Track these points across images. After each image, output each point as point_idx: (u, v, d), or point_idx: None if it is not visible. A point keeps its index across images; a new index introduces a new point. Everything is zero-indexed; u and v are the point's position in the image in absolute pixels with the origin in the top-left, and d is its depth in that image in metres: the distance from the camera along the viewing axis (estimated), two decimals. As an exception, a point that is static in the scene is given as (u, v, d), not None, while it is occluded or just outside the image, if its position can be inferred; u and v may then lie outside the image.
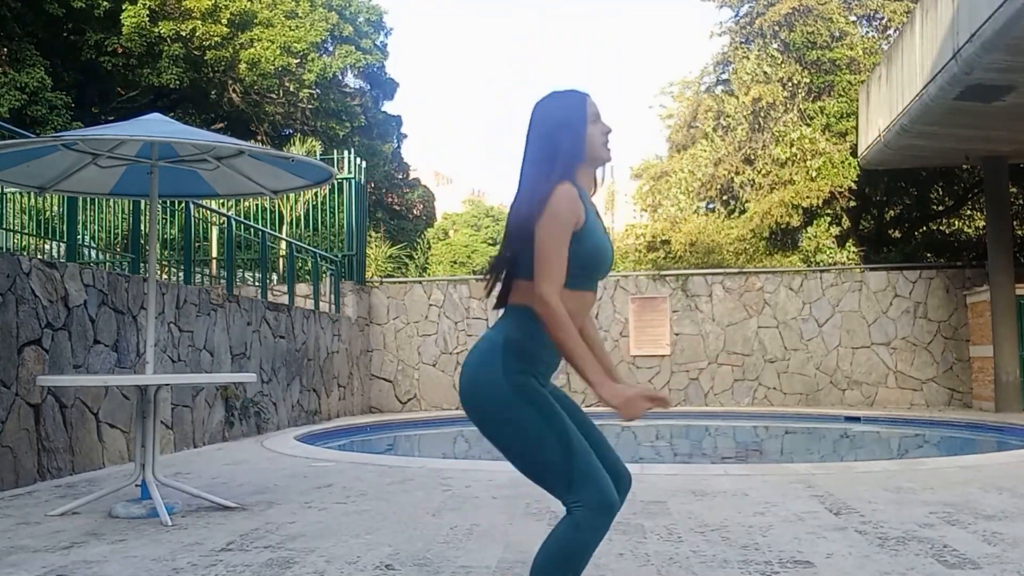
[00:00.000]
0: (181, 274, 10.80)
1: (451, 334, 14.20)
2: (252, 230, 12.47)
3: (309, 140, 18.48)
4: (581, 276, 2.42)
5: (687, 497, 5.09)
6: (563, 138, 2.48)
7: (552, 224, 2.34)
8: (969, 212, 17.60)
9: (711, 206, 19.57)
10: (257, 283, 12.26)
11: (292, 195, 14.13)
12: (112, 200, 10.65)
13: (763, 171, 16.82)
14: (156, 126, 4.96)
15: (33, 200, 9.79)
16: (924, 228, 17.54)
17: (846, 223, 17.22)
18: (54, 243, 9.84)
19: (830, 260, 16.34)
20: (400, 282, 14.86)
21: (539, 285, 2.32)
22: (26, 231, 9.94)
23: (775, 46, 17.60)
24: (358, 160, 14.45)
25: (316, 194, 14.48)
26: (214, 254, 13.24)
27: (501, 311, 2.50)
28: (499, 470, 6.64)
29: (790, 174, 16.07)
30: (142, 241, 8.17)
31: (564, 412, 2.43)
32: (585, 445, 2.40)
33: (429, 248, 24.52)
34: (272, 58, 21.20)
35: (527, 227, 2.38)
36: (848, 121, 16.07)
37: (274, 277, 13.53)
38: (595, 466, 2.38)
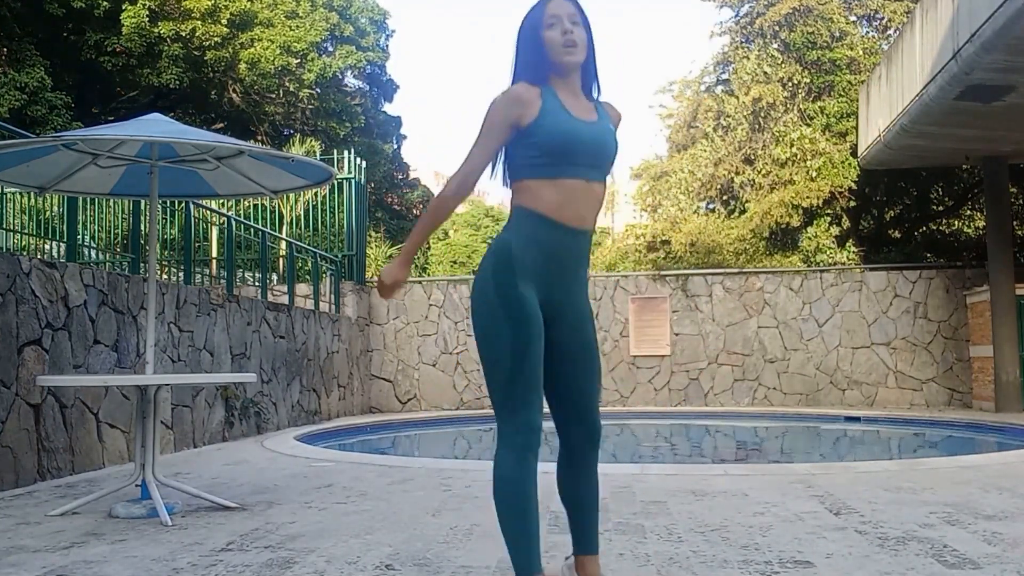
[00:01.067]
0: (181, 274, 10.80)
1: (451, 334, 14.20)
2: (252, 230, 12.47)
3: (309, 140, 18.49)
4: (548, 165, 2.44)
5: (687, 497, 5.09)
6: (522, 52, 2.55)
7: (482, 123, 2.47)
8: (969, 212, 17.60)
9: (711, 206, 19.57)
10: (257, 283, 12.26)
11: (292, 195, 14.13)
12: (112, 200, 10.65)
13: (763, 171, 16.82)
14: (156, 126, 4.96)
15: (33, 200, 9.79)
16: (924, 228, 17.54)
17: (846, 223, 17.22)
18: (54, 243, 9.85)
19: (830, 260, 16.34)
20: (400, 282, 14.85)
21: (457, 171, 2.49)
22: (26, 231, 9.94)
23: (775, 46, 17.60)
24: (358, 160, 14.46)
25: (316, 194, 14.48)
26: (214, 254, 13.24)
27: None
28: (499, 470, 6.64)
29: (790, 174, 16.07)
30: (142, 241, 8.17)
31: (537, 337, 2.40)
32: (534, 378, 2.40)
33: (429, 248, 24.51)
34: (272, 58, 21.20)
35: None
36: (848, 121, 16.07)
37: (274, 277, 13.53)
38: (531, 404, 2.39)
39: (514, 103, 2.45)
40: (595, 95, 2.65)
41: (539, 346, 2.40)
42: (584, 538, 2.64)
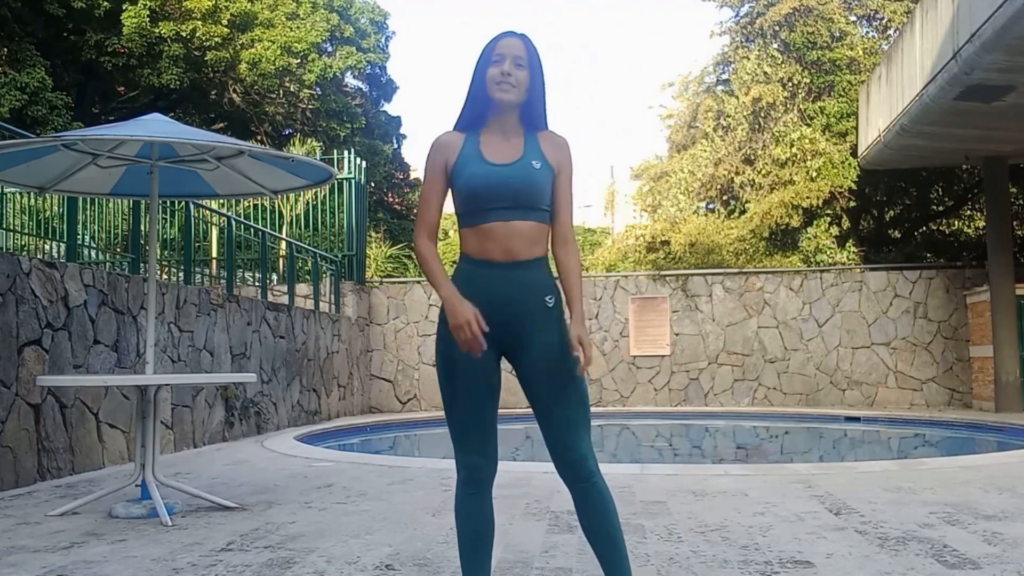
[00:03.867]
0: (181, 274, 10.80)
1: (451, 334, 14.18)
2: (252, 230, 12.47)
3: (309, 141, 18.49)
4: (468, 212, 2.52)
5: (687, 497, 5.09)
6: (470, 85, 2.60)
7: (424, 176, 2.59)
8: (969, 212, 17.59)
9: (711, 206, 19.56)
10: (257, 283, 12.26)
11: (292, 195, 14.13)
12: (112, 200, 10.66)
13: (763, 171, 16.82)
14: (156, 126, 4.96)
15: (33, 200, 9.79)
16: (924, 228, 17.54)
17: (846, 223, 17.22)
18: (54, 243, 9.85)
19: (830, 260, 16.33)
20: (400, 282, 14.86)
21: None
22: (26, 231, 9.94)
23: (775, 46, 17.60)
24: (358, 160, 14.46)
25: (316, 194, 14.48)
26: (214, 254, 13.24)
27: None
28: (499, 470, 6.64)
29: (790, 174, 16.06)
30: (142, 241, 8.17)
31: (465, 379, 2.51)
32: (465, 416, 2.52)
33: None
34: (273, 58, 21.19)
35: None
36: (848, 121, 16.07)
37: (274, 277, 13.53)
38: (460, 440, 2.53)
39: (437, 149, 2.56)
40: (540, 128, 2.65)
41: (468, 396, 2.51)
42: (617, 568, 2.52)
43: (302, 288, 12.89)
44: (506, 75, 2.51)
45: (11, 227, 9.42)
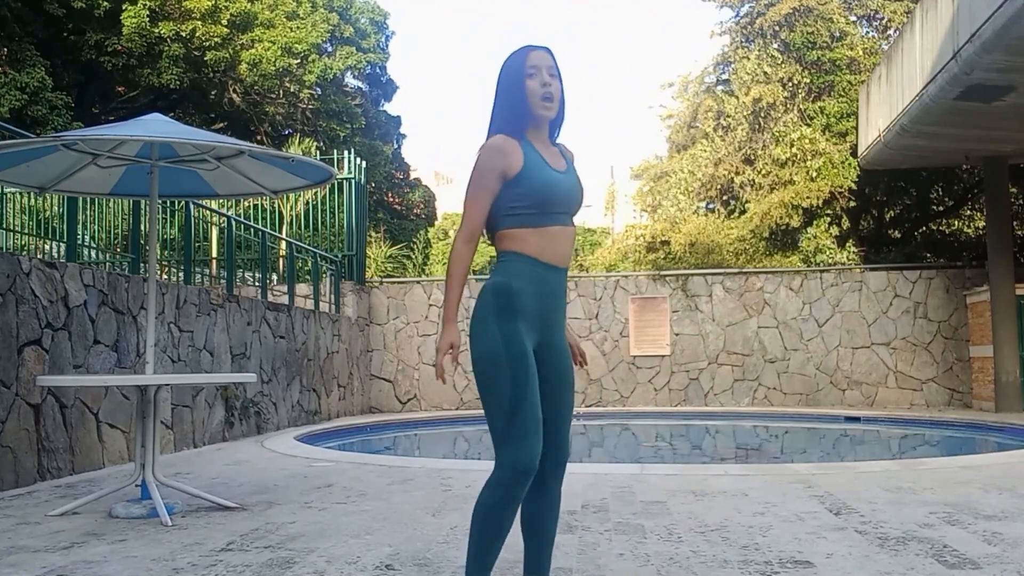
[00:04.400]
0: (181, 274, 10.80)
1: (451, 334, 14.18)
2: (252, 230, 12.47)
3: (307, 140, 18.51)
4: (533, 214, 2.60)
5: (687, 497, 5.09)
6: (503, 98, 2.67)
7: (472, 176, 2.60)
8: (969, 212, 17.59)
9: (711, 206, 19.56)
10: (257, 283, 12.26)
11: (292, 195, 14.13)
12: (112, 200, 10.66)
13: (763, 171, 16.82)
14: (156, 126, 4.96)
15: (33, 200, 9.79)
16: (924, 228, 17.54)
17: (846, 223, 17.22)
18: (54, 243, 9.85)
19: (830, 260, 16.33)
20: (400, 282, 14.86)
21: (461, 223, 2.59)
22: (26, 231, 9.94)
23: (775, 46, 17.60)
24: (358, 160, 14.46)
25: (316, 194, 14.49)
26: (214, 254, 13.24)
27: None
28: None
29: (790, 174, 16.06)
30: (142, 241, 8.17)
31: (534, 372, 2.54)
32: (535, 413, 2.51)
33: (429, 246, 24.51)
34: (273, 59, 21.19)
35: None
36: (848, 121, 16.06)
37: (274, 277, 13.53)
38: (530, 433, 2.50)
39: (500, 154, 2.58)
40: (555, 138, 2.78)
41: (534, 388, 2.54)
42: (539, 561, 2.72)
43: (302, 288, 12.89)
44: (546, 86, 2.62)
45: (11, 227, 9.42)
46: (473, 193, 2.59)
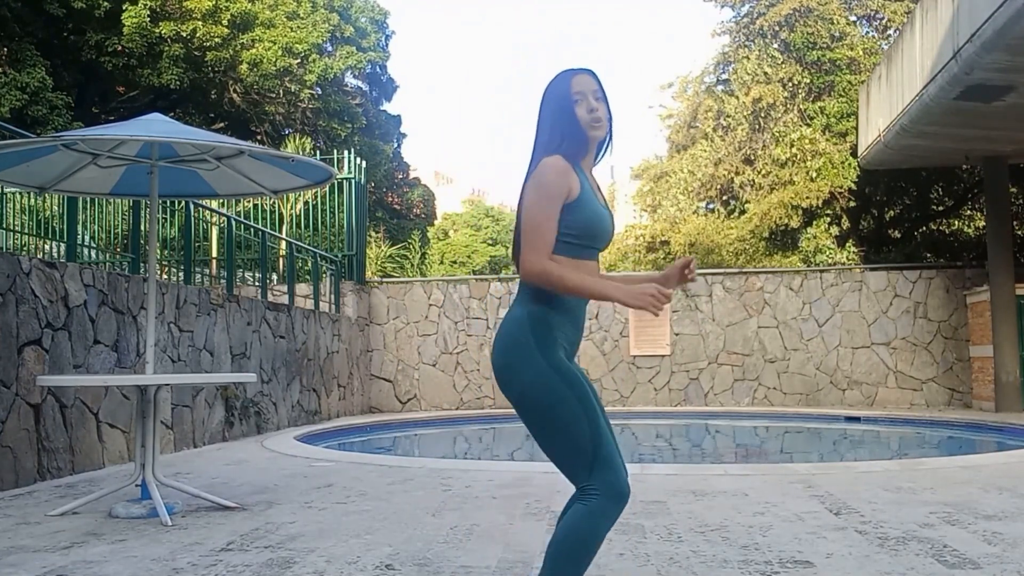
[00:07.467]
0: (181, 274, 10.79)
1: (451, 334, 14.20)
2: (252, 230, 12.47)
3: (304, 139, 18.52)
4: (579, 245, 2.49)
5: (687, 497, 5.09)
6: (553, 122, 2.56)
7: (537, 194, 2.44)
8: (969, 212, 17.60)
9: (711, 206, 19.58)
10: (257, 283, 12.26)
11: (292, 195, 14.13)
12: (112, 200, 10.65)
13: (763, 171, 16.83)
14: (156, 126, 4.96)
15: (33, 200, 9.79)
16: (924, 228, 17.54)
17: (846, 223, 17.22)
18: (54, 243, 9.84)
19: (830, 260, 16.34)
20: (400, 282, 14.86)
21: (525, 253, 2.40)
22: (26, 231, 9.94)
23: (775, 46, 17.61)
24: (358, 160, 14.46)
25: (316, 194, 14.48)
26: (214, 254, 13.24)
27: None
28: (499, 470, 6.64)
29: (790, 174, 16.07)
30: (142, 241, 8.16)
31: (592, 393, 2.48)
32: (608, 431, 2.45)
33: (428, 244, 24.53)
34: (273, 59, 21.20)
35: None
36: (848, 121, 16.07)
37: (274, 277, 13.53)
38: (615, 453, 2.44)
39: (564, 174, 2.45)
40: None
41: (597, 409, 2.46)
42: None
43: (302, 288, 12.89)
44: (593, 111, 2.53)
45: (11, 227, 9.42)
46: (547, 210, 2.41)
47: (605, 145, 2.66)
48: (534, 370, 2.42)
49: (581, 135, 2.54)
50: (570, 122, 2.53)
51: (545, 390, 2.41)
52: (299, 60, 22.18)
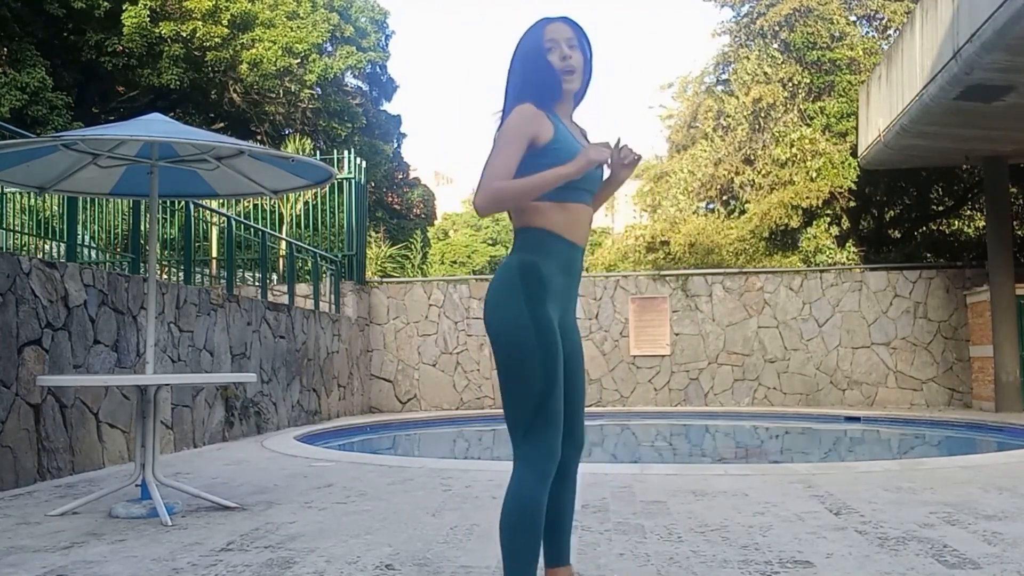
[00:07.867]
0: (181, 274, 10.80)
1: (451, 334, 14.20)
2: (252, 230, 12.47)
3: (303, 139, 18.53)
4: (560, 188, 2.46)
5: (687, 497, 5.09)
6: (523, 71, 2.54)
7: (501, 136, 2.44)
8: (969, 212, 17.59)
9: (711, 206, 19.57)
10: (257, 283, 12.26)
11: (292, 195, 14.13)
12: (112, 200, 10.65)
13: (763, 171, 16.82)
14: (156, 126, 4.96)
15: (33, 200, 9.79)
16: (924, 228, 17.54)
17: (846, 223, 17.22)
18: (54, 243, 9.84)
19: (830, 260, 16.33)
20: (400, 282, 14.86)
21: (476, 194, 2.40)
22: (26, 231, 9.94)
23: (775, 46, 17.60)
24: (358, 160, 14.46)
25: (316, 194, 14.49)
26: (214, 254, 13.24)
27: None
28: (499, 470, 6.64)
29: (790, 174, 16.07)
30: (142, 241, 8.17)
31: (562, 362, 2.46)
32: (560, 405, 2.43)
33: (428, 244, 24.54)
34: (273, 59, 21.20)
35: None
36: (848, 121, 16.06)
37: (274, 277, 13.53)
38: (553, 427, 2.41)
39: (531, 120, 2.45)
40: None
41: (560, 377, 2.44)
42: (561, 548, 2.65)
43: (302, 288, 12.89)
44: (566, 59, 2.51)
45: (11, 227, 9.42)
46: (503, 151, 2.40)
47: (585, 93, 2.64)
48: (514, 317, 2.42)
49: (552, 80, 2.51)
50: (540, 69, 2.51)
51: (516, 340, 2.41)
52: (299, 60, 22.18)
